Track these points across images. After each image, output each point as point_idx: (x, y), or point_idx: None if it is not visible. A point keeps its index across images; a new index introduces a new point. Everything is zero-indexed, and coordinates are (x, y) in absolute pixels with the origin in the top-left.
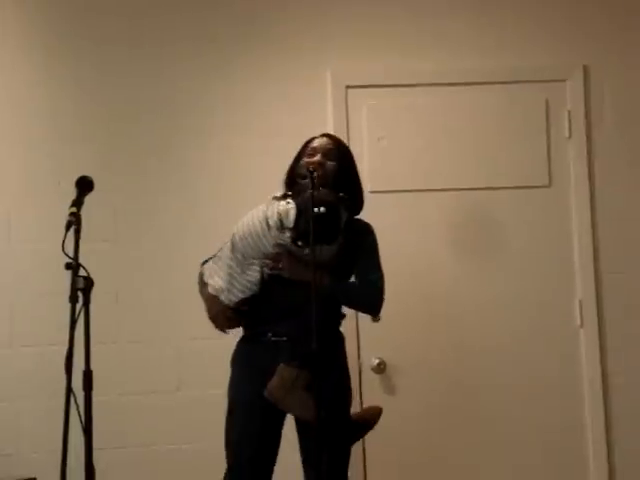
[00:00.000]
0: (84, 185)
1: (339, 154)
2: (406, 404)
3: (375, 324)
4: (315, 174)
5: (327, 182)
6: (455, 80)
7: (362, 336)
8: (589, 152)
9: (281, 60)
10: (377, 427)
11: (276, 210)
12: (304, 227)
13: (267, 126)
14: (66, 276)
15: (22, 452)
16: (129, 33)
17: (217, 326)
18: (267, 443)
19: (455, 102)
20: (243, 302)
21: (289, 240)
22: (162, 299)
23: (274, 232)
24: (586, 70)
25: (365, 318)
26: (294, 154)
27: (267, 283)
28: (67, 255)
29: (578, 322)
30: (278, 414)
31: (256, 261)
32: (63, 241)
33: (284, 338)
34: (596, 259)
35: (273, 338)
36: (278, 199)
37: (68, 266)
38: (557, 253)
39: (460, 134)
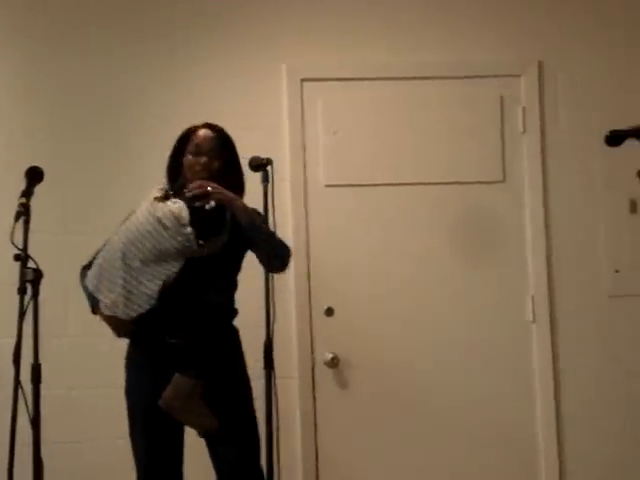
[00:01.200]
0: (34, 175)
1: (222, 150)
2: (358, 398)
3: (329, 319)
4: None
5: (213, 181)
6: (410, 74)
7: (315, 331)
8: (543, 148)
9: (236, 53)
10: (331, 423)
11: (168, 210)
12: (197, 224)
13: (221, 119)
14: (15, 267)
15: None
16: (83, 21)
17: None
18: (172, 449)
19: (409, 96)
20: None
21: (191, 236)
22: None
23: (172, 231)
24: (541, 66)
25: (318, 312)
26: (249, 147)
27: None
28: (16, 246)
29: (530, 317)
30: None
31: (155, 268)
32: (12, 232)
33: (179, 342)
34: (548, 255)
35: (171, 341)
36: (160, 199)
37: (17, 257)
38: (510, 248)
39: (414, 128)
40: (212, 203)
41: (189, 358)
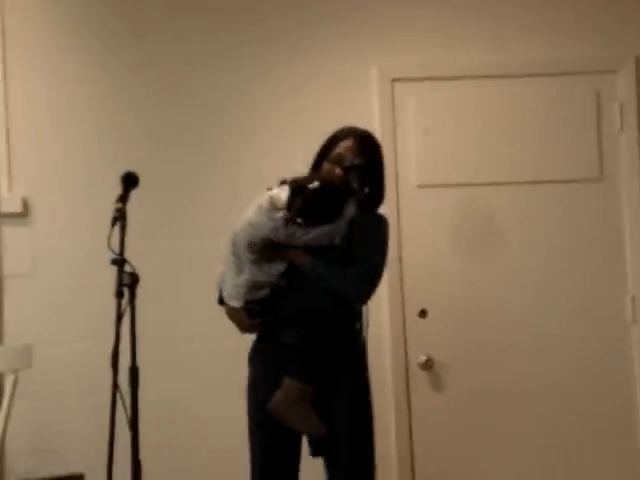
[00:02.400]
0: (129, 180)
1: (365, 157)
2: (454, 401)
3: (423, 320)
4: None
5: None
6: (503, 72)
7: (409, 332)
8: None
9: (326, 54)
10: (425, 424)
11: (268, 195)
12: (298, 205)
13: (313, 122)
14: (112, 271)
15: (69, 448)
16: (178, 26)
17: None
18: (287, 453)
19: (503, 95)
20: (251, 302)
21: (281, 222)
22: (208, 295)
23: (265, 216)
24: (638, 61)
25: (412, 314)
26: None
27: (278, 286)
28: (112, 251)
29: (630, 318)
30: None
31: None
32: (109, 237)
33: (295, 341)
34: None
35: (283, 339)
36: (270, 188)
37: (114, 262)
38: (608, 248)
39: (508, 127)
40: (316, 183)
41: (301, 360)
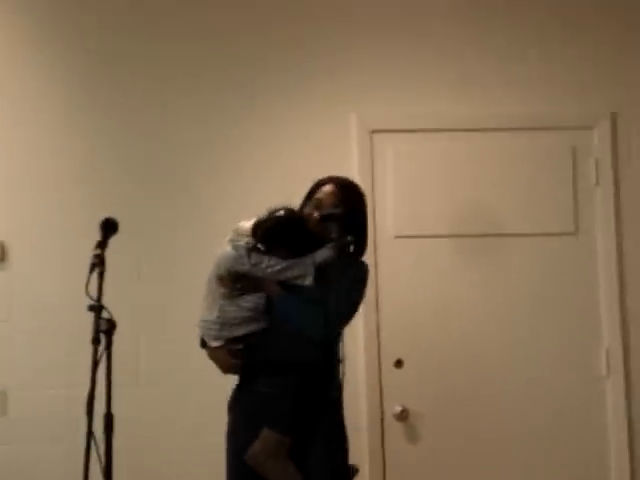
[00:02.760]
0: (109, 227)
1: (345, 204)
2: (429, 452)
3: (399, 370)
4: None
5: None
6: (481, 126)
7: (384, 383)
8: (616, 200)
9: (306, 101)
10: (399, 475)
11: (236, 227)
12: (261, 230)
13: (290, 168)
14: (89, 318)
15: None
16: (157, 70)
17: (227, 372)
18: None
19: (480, 148)
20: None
21: (244, 250)
22: (185, 340)
23: (229, 245)
24: (613, 117)
25: (388, 364)
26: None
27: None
28: (90, 297)
29: (604, 372)
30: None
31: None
32: (87, 283)
33: (274, 391)
34: (622, 307)
35: (262, 389)
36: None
37: (91, 308)
38: (583, 301)
39: (485, 180)
40: (281, 212)
41: (279, 411)
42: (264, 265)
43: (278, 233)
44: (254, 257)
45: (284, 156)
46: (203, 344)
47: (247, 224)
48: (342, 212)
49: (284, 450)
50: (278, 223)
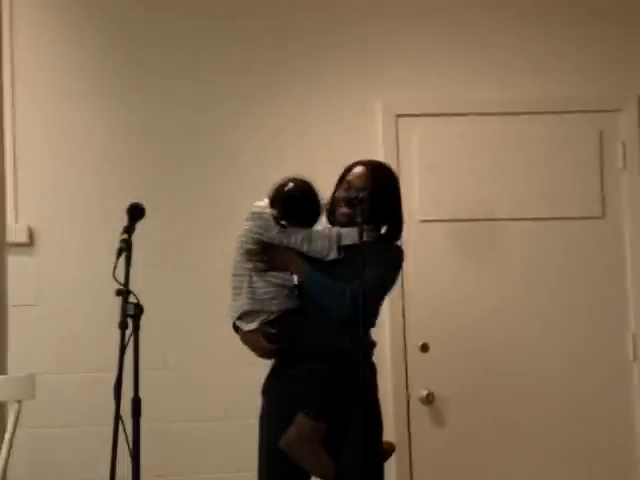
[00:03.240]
0: (135, 212)
1: (374, 186)
2: (454, 436)
3: (424, 355)
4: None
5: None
6: (507, 110)
7: (410, 367)
8: None
9: (332, 88)
10: (426, 460)
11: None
12: (279, 205)
13: (317, 154)
14: (117, 302)
15: (70, 478)
16: (173, 65)
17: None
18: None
19: (507, 132)
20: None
21: (271, 218)
22: (211, 325)
23: (253, 220)
24: None
25: (413, 349)
26: None
27: (293, 313)
28: (118, 281)
29: (631, 357)
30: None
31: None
32: (114, 267)
33: (310, 377)
34: None
35: (297, 374)
36: None
37: (119, 292)
38: (610, 285)
39: (511, 164)
40: (290, 184)
41: (315, 397)
42: (289, 233)
43: (292, 203)
44: (278, 227)
45: (310, 139)
46: (236, 329)
47: (262, 202)
48: (366, 195)
49: (319, 437)
50: (288, 197)
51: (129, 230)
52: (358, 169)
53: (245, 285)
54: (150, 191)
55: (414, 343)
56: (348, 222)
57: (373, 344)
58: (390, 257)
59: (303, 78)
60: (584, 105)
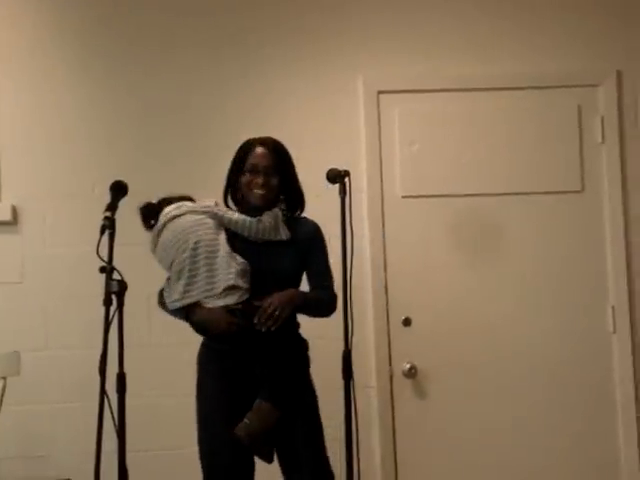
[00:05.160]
0: (118, 189)
1: (279, 166)
2: (437, 409)
3: (407, 329)
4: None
5: (271, 197)
6: (487, 85)
7: (393, 341)
8: (622, 157)
9: (313, 66)
10: (409, 432)
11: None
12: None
13: (299, 132)
14: (101, 279)
15: (56, 454)
16: (159, 42)
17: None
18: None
19: (487, 107)
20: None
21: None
22: None
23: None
24: (619, 75)
25: (396, 323)
26: (326, 160)
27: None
28: (101, 259)
29: (611, 328)
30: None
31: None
32: (98, 245)
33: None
34: (629, 265)
35: (257, 371)
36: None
37: (102, 270)
38: (589, 258)
39: (491, 139)
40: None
41: (270, 386)
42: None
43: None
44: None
45: (292, 119)
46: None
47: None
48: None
49: (273, 423)
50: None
51: (112, 208)
52: (259, 150)
53: (222, 264)
54: (133, 168)
55: (397, 317)
56: (265, 204)
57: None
58: (323, 241)
59: (284, 57)
60: (563, 80)
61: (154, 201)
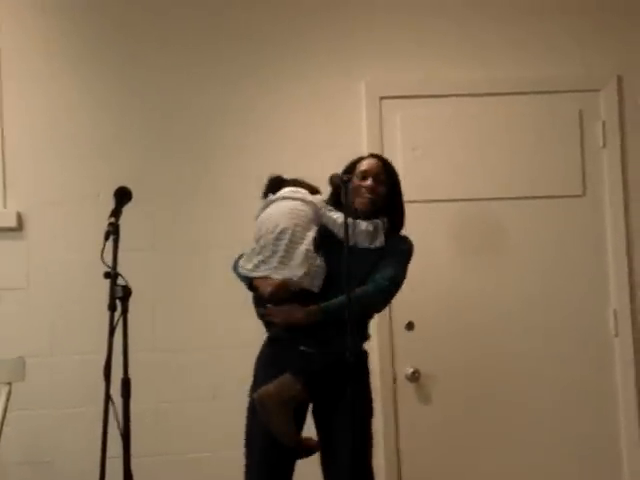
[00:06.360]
0: (122, 195)
1: (388, 177)
2: (440, 413)
3: (410, 333)
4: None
5: (377, 206)
6: (489, 90)
7: (396, 345)
8: (623, 161)
9: (316, 71)
10: (413, 436)
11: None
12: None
13: (302, 137)
14: (105, 285)
15: (62, 459)
16: (164, 46)
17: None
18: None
19: (489, 112)
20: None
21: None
22: (199, 307)
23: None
24: (620, 80)
25: (399, 327)
26: (328, 165)
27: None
28: (106, 264)
29: (613, 332)
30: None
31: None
32: (102, 250)
33: (312, 350)
34: (630, 268)
35: (301, 348)
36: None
37: (107, 275)
38: (591, 262)
39: (494, 144)
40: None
41: (307, 365)
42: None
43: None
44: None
45: (294, 122)
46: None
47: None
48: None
49: (294, 403)
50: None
51: (116, 214)
52: (371, 160)
53: (298, 258)
54: (138, 174)
55: (400, 321)
56: (370, 209)
57: (369, 336)
58: (406, 252)
59: (287, 62)
60: (564, 85)
61: (286, 177)
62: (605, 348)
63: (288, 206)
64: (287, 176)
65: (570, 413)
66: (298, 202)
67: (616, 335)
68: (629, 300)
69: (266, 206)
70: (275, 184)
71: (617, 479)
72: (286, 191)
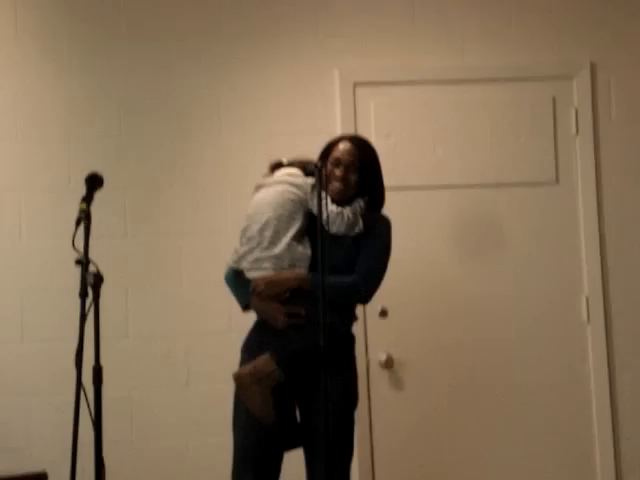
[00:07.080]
0: (94, 181)
1: (361, 163)
2: (414, 399)
3: (383, 320)
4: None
5: (349, 193)
6: (462, 77)
7: (370, 331)
8: (596, 148)
9: (289, 58)
10: (386, 422)
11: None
12: None
13: (275, 124)
14: (76, 272)
15: (32, 446)
16: (135, 31)
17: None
18: (271, 444)
19: (462, 99)
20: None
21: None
22: (171, 294)
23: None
24: (593, 67)
25: (373, 313)
26: (302, 151)
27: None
28: (77, 251)
29: (585, 318)
30: (287, 402)
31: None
32: (73, 237)
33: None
34: (603, 255)
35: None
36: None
37: (78, 262)
38: (564, 249)
39: (467, 131)
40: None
41: (286, 345)
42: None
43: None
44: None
45: (269, 111)
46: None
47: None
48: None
49: (271, 382)
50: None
51: (87, 200)
52: (344, 145)
53: (281, 244)
54: (110, 159)
55: (373, 308)
56: (341, 199)
57: (356, 317)
58: (386, 233)
59: (261, 48)
60: (537, 72)
61: (284, 160)
62: (578, 334)
63: (278, 190)
64: (285, 159)
65: (543, 397)
66: (287, 185)
67: (588, 322)
68: (601, 287)
69: (257, 190)
70: (273, 169)
71: (588, 461)
72: (276, 177)
